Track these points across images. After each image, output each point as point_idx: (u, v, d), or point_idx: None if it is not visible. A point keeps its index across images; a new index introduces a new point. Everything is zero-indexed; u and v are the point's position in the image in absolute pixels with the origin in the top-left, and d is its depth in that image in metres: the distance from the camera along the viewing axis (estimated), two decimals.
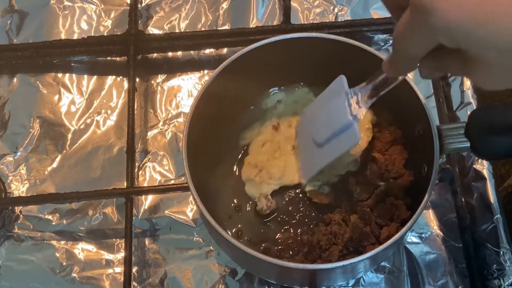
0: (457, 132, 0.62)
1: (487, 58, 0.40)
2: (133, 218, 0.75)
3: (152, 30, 0.89)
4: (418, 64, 0.48)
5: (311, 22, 0.88)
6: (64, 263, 0.75)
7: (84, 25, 0.90)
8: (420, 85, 0.66)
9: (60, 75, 0.87)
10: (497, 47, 0.39)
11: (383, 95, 0.58)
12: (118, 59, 0.87)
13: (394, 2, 0.47)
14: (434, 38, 0.41)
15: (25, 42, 0.88)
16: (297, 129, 0.72)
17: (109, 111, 0.84)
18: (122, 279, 0.71)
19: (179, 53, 0.87)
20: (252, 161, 0.72)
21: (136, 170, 0.79)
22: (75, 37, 0.89)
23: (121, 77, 0.86)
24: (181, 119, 0.83)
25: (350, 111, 0.60)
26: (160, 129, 0.83)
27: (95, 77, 0.87)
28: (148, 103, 0.85)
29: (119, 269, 0.75)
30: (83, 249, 0.76)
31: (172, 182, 0.79)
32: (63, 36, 0.89)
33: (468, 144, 0.62)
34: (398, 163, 0.68)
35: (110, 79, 0.86)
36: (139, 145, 0.81)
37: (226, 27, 0.89)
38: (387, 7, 0.49)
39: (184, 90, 0.85)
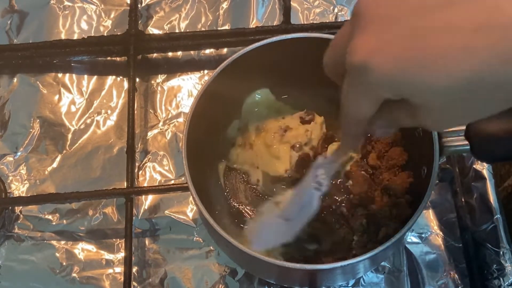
0: (457, 134, 0.62)
1: (428, 103, 0.40)
2: (133, 218, 0.75)
3: (152, 30, 0.89)
4: (369, 127, 0.47)
5: (311, 22, 0.88)
6: (64, 263, 0.75)
7: (84, 25, 0.90)
8: None
9: (60, 75, 0.87)
10: (433, 91, 0.38)
11: None
12: (118, 59, 0.87)
13: (335, 72, 0.47)
14: (378, 93, 0.41)
15: (25, 42, 0.88)
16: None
17: (109, 111, 0.84)
18: (122, 279, 0.71)
19: (179, 53, 0.87)
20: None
21: (136, 170, 0.79)
22: (75, 37, 0.89)
23: (121, 77, 0.86)
24: (181, 119, 0.83)
25: (314, 181, 0.59)
26: (160, 129, 0.83)
27: (95, 77, 0.87)
28: (148, 103, 0.85)
29: (119, 269, 0.75)
30: (83, 249, 0.76)
31: (172, 182, 0.79)
32: (63, 36, 0.89)
33: (468, 146, 0.62)
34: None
35: (110, 79, 0.86)
36: (139, 145, 0.81)
37: (226, 27, 0.89)
38: (332, 78, 0.49)
39: (184, 90, 0.85)
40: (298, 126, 0.72)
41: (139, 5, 0.89)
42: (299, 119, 0.72)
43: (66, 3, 0.91)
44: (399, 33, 0.39)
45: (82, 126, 0.83)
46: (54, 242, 0.76)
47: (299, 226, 0.60)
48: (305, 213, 0.59)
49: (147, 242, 0.76)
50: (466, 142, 0.62)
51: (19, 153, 0.82)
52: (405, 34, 0.39)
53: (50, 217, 0.78)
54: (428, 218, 0.77)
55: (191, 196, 0.62)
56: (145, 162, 0.81)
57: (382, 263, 0.73)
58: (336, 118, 0.72)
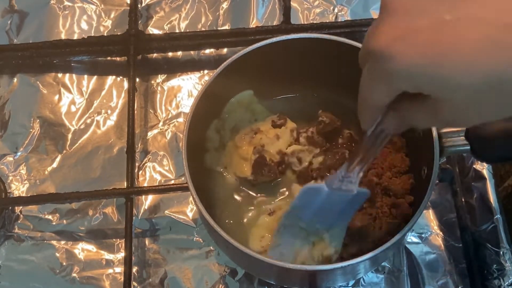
0: (457, 134, 0.62)
1: (449, 97, 0.39)
2: (133, 218, 0.75)
3: (152, 30, 0.89)
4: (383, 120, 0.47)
5: (311, 22, 0.88)
6: (64, 263, 0.75)
7: (84, 25, 0.90)
8: None
9: (60, 75, 0.87)
10: (456, 86, 0.37)
11: None
12: (118, 59, 0.87)
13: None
14: (395, 83, 0.40)
15: (25, 42, 0.88)
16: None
17: (109, 111, 0.84)
18: (122, 279, 0.72)
19: (179, 53, 0.87)
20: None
21: (136, 170, 0.79)
22: (75, 37, 0.89)
23: (121, 77, 0.86)
24: (181, 119, 0.83)
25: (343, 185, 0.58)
26: (160, 129, 0.83)
27: (95, 77, 0.87)
28: (148, 103, 0.85)
29: (119, 269, 0.75)
30: (83, 249, 0.76)
31: (172, 182, 0.79)
32: (63, 36, 0.89)
33: (468, 147, 0.62)
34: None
35: (110, 79, 0.86)
36: (139, 145, 0.81)
37: (226, 27, 0.89)
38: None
39: (184, 90, 0.85)
40: (269, 129, 0.72)
41: (139, 5, 0.89)
42: (271, 123, 0.72)
43: (66, 3, 0.91)
44: (425, 23, 0.38)
45: (82, 126, 0.83)
46: (54, 242, 0.76)
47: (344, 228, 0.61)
48: (345, 216, 0.61)
49: (147, 242, 0.76)
50: (466, 142, 0.62)
51: (19, 153, 0.82)
52: (431, 25, 0.38)
53: (50, 217, 0.78)
54: (428, 218, 0.77)
55: (191, 196, 0.62)
56: (145, 162, 0.81)
57: (382, 263, 0.73)
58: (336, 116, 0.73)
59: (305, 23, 0.89)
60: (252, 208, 0.71)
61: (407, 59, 0.38)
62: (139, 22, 0.88)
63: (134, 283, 0.73)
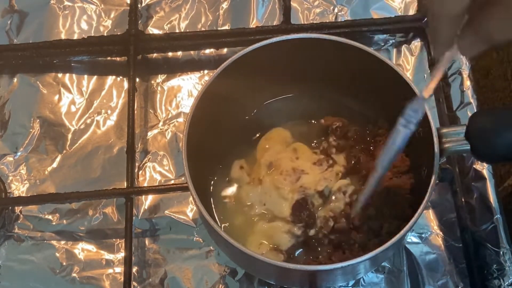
0: (457, 134, 0.62)
1: None
2: (133, 218, 0.75)
3: (152, 30, 0.89)
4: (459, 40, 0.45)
5: (311, 22, 0.88)
6: (64, 263, 0.75)
7: (84, 25, 0.90)
8: (420, 86, 0.66)
9: (60, 75, 0.87)
10: None
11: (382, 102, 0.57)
12: (118, 59, 0.87)
13: None
14: None
15: (25, 42, 0.88)
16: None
17: (109, 111, 0.84)
18: (122, 279, 0.72)
19: (179, 53, 0.87)
20: None
21: (136, 170, 0.79)
22: (75, 37, 0.89)
23: (121, 77, 0.86)
24: (181, 119, 0.83)
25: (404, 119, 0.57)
26: (160, 129, 0.83)
27: (95, 77, 0.87)
28: (148, 103, 0.85)
29: (119, 269, 0.75)
30: (83, 249, 0.76)
31: (172, 182, 0.79)
32: (63, 36, 0.89)
33: (468, 147, 0.62)
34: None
35: (110, 79, 0.86)
36: (139, 145, 0.81)
37: (226, 27, 0.89)
38: None
39: (184, 90, 0.85)
40: (313, 171, 0.70)
41: (139, 5, 0.89)
42: (312, 162, 0.70)
43: (66, 3, 0.91)
44: None
45: (82, 126, 0.83)
46: (54, 242, 0.76)
47: (385, 165, 0.59)
48: (391, 150, 0.58)
49: (147, 242, 0.76)
50: (466, 142, 0.62)
51: (19, 153, 0.82)
52: None
53: (50, 217, 0.78)
54: (428, 218, 0.77)
55: (191, 196, 0.62)
56: (145, 162, 0.81)
57: (382, 263, 0.73)
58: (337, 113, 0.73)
59: (305, 23, 0.89)
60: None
61: None
62: (139, 22, 0.88)
63: (134, 283, 0.73)
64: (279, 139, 0.73)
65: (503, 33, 0.42)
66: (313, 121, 0.74)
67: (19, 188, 0.80)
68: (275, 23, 0.89)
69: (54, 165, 0.81)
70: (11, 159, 0.81)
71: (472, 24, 0.43)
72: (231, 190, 0.72)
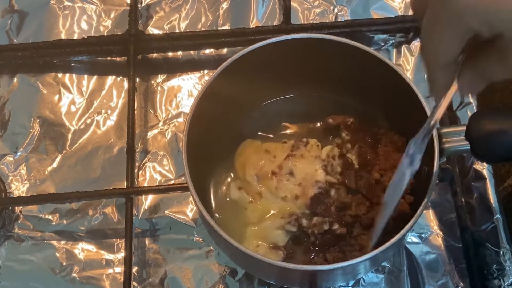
0: (457, 134, 0.62)
1: None
2: (133, 218, 0.75)
3: (152, 30, 0.89)
4: (456, 81, 0.44)
5: (311, 22, 0.88)
6: (64, 263, 0.75)
7: (84, 25, 0.90)
8: (420, 86, 0.66)
9: (60, 75, 0.87)
10: None
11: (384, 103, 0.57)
12: (118, 59, 0.87)
13: (421, 6, 0.43)
14: (464, 23, 0.37)
15: (25, 42, 0.88)
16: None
17: (109, 111, 0.84)
18: (122, 279, 0.72)
19: (179, 53, 0.87)
20: None
21: (136, 170, 0.79)
22: (75, 37, 0.89)
23: (121, 77, 0.86)
24: (181, 119, 0.83)
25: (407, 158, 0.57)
26: (160, 129, 0.83)
27: (95, 77, 0.87)
28: (148, 103, 0.85)
29: (119, 269, 0.75)
30: (83, 249, 0.76)
31: (172, 182, 0.79)
32: (63, 36, 0.89)
33: (468, 147, 0.62)
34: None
35: (110, 79, 0.86)
36: (139, 145, 0.81)
37: (226, 27, 0.89)
38: (417, 14, 0.44)
39: (184, 90, 0.85)
40: (299, 159, 0.70)
41: (139, 5, 0.89)
42: (288, 152, 0.71)
43: (66, 3, 0.91)
44: None
45: (82, 126, 0.83)
46: (54, 242, 0.76)
47: (393, 206, 0.60)
48: (397, 192, 0.59)
49: (147, 242, 0.76)
50: (466, 142, 0.62)
51: (19, 153, 0.82)
52: None
53: (50, 217, 0.78)
54: (428, 218, 0.77)
55: (191, 196, 0.62)
56: (145, 162, 0.81)
57: (382, 263, 0.73)
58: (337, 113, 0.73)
59: (305, 23, 0.89)
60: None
61: None
62: (139, 22, 0.88)
63: (134, 283, 0.73)
64: (251, 150, 0.73)
65: (500, 74, 0.42)
66: (313, 121, 0.74)
67: (19, 188, 0.80)
68: (275, 23, 0.89)
69: (54, 165, 0.81)
70: (11, 159, 0.81)
71: (468, 65, 0.43)
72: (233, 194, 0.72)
